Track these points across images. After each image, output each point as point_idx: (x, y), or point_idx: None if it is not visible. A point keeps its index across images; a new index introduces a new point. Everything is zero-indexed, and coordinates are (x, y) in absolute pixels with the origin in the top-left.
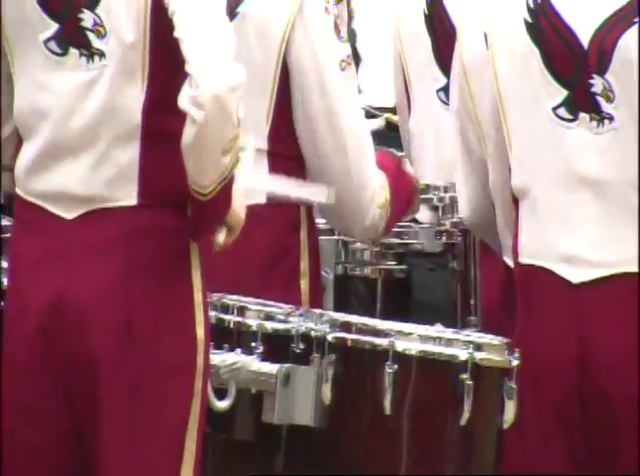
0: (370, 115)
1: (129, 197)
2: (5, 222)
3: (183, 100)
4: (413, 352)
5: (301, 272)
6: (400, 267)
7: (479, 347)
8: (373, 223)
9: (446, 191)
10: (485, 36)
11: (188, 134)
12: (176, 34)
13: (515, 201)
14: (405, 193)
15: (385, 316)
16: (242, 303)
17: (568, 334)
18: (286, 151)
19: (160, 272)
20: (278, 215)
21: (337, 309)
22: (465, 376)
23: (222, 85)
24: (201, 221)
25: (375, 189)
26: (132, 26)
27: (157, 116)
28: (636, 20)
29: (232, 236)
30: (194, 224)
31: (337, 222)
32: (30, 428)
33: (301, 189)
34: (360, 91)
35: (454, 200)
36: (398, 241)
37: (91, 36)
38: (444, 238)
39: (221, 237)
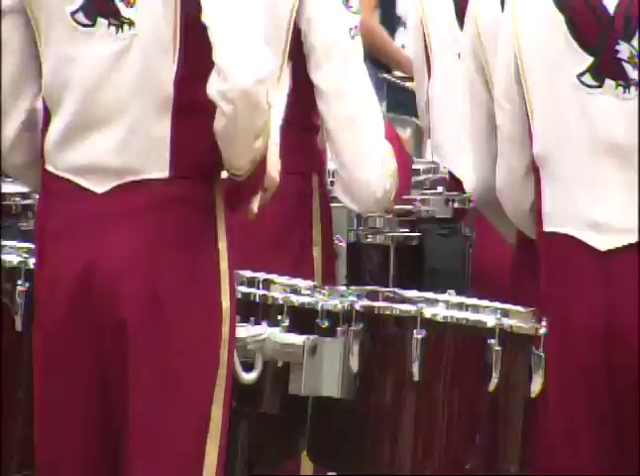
0: None
1: (161, 169)
2: None
3: (212, 91)
4: (440, 318)
5: (313, 240)
6: (413, 234)
7: (506, 314)
8: (385, 193)
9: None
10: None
11: (219, 123)
12: (204, 19)
13: (536, 170)
14: (406, 169)
15: (399, 284)
16: (268, 277)
17: (595, 301)
18: (299, 121)
19: (187, 242)
20: (290, 184)
21: (350, 277)
22: (493, 341)
23: (251, 79)
24: (238, 196)
25: (384, 158)
26: None
27: (189, 88)
28: None
29: (266, 197)
30: (231, 198)
31: (347, 198)
32: (62, 396)
33: None
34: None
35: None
36: (410, 207)
37: (120, 5)
38: (455, 204)
39: (256, 205)
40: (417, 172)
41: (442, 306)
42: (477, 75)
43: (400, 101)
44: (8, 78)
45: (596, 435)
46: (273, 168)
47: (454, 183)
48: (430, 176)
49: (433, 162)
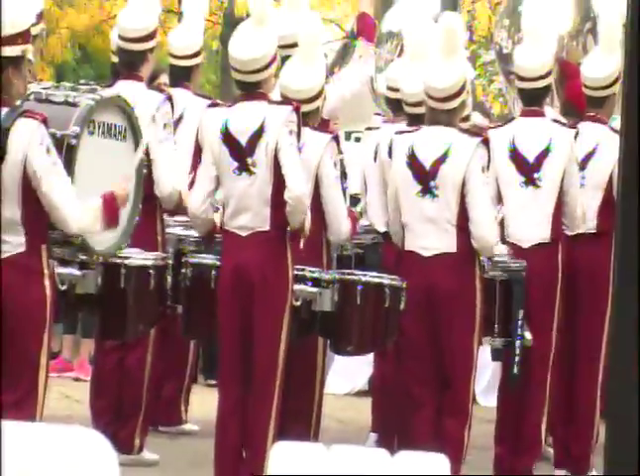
0: None
1: (266, 226)
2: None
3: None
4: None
5: None
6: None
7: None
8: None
9: None
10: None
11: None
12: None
13: None
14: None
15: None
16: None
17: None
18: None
19: (277, 257)
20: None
21: None
22: None
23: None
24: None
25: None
26: None
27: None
28: None
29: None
30: (294, 237)
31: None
32: (230, 324)
33: None
34: None
35: None
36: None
37: None
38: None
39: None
40: None
41: None
42: None
43: None
44: None
45: None
46: (308, 223)
47: None
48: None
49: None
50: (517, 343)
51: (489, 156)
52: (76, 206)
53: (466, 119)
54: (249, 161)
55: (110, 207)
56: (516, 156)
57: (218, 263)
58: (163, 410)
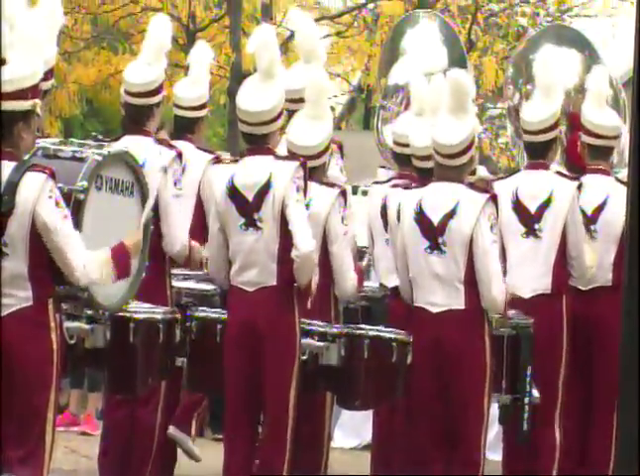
0: None
1: (273, 281)
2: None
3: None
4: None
5: None
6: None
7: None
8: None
9: None
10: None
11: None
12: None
13: None
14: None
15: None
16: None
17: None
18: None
19: (284, 312)
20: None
21: None
22: None
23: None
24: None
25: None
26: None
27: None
28: None
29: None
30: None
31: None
32: (236, 378)
33: None
34: None
35: None
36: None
37: None
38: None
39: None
40: None
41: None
42: None
43: None
44: None
45: None
46: (315, 281)
47: None
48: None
49: None
50: (526, 400)
51: (498, 212)
52: (86, 259)
53: (472, 173)
54: (255, 216)
55: (121, 258)
56: (519, 207)
57: (223, 317)
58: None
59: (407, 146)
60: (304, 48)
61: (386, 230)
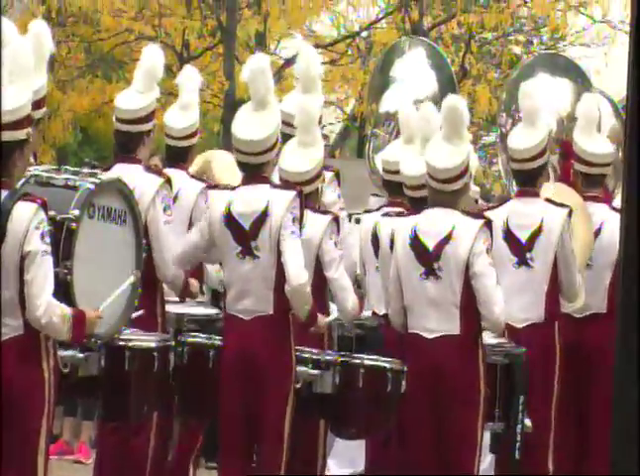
0: None
1: (269, 310)
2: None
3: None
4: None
5: None
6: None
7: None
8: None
9: None
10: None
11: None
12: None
13: None
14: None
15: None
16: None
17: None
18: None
19: (280, 340)
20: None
21: None
22: None
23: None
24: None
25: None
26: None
27: None
28: None
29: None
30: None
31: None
32: (231, 407)
33: None
34: None
35: None
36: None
37: None
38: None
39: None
40: None
41: None
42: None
43: None
44: None
45: None
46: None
47: None
48: None
49: None
50: (518, 429)
51: (492, 238)
52: (51, 303)
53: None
54: (252, 245)
55: (77, 324)
56: (510, 237)
57: (216, 343)
58: None
59: (397, 173)
60: (304, 77)
61: (377, 258)
